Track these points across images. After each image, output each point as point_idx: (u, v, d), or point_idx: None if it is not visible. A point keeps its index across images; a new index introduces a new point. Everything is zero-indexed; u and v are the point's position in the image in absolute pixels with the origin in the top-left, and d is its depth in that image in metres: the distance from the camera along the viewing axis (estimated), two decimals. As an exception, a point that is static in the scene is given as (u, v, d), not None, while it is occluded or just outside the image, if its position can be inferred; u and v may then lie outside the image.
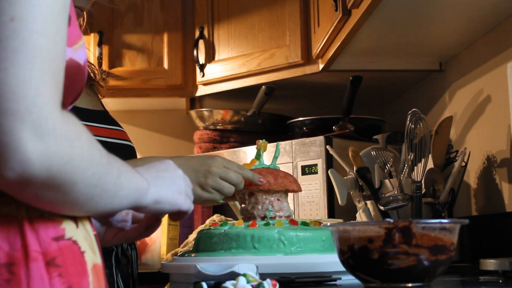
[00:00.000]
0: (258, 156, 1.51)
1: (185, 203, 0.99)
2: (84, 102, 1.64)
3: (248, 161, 1.55)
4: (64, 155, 0.70)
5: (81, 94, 0.89)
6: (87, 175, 0.73)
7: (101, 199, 0.78)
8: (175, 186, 0.97)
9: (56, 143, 0.69)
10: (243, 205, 1.49)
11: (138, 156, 1.80)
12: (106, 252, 1.26)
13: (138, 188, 0.86)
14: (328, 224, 1.10)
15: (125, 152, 1.68)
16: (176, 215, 1.00)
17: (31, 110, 0.67)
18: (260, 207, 1.45)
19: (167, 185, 0.95)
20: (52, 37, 0.71)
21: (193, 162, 1.47)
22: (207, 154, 1.50)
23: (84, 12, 1.42)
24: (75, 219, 0.83)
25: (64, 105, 0.81)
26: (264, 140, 1.52)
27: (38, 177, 0.69)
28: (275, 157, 1.53)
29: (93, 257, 0.83)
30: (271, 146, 1.64)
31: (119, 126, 1.76)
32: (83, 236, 0.83)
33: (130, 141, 1.76)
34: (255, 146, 1.53)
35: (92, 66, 1.73)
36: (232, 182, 1.46)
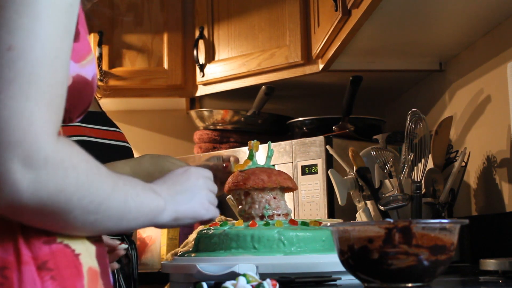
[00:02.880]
0: (251, 156, 1.51)
1: (207, 213, 1.02)
2: None
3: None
4: (56, 185, 0.71)
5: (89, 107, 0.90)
6: (83, 203, 0.75)
7: (105, 223, 0.79)
8: (196, 199, 1.00)
9: (47, 174, 0.70)
10: (240, 206, 1.49)
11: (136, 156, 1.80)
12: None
13: (151, 209, 0.88)
14: (328, 224, 1.10)
15: (122, 153, 1.68)
16: (202, 223, 1.04)
17: (22, 142, 0.68)
18: (257, 206, 1.45)
19: (187, 199, 0.98)
20: (50, 64, 0.71)
21: (153, 180, 1.47)
22: (164, 162, 1.51)
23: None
24: None
25: (71, 119, 0.82)
26: (255, 140, 1.53)
27: (28, 206, 0.71)
28: (269, 157, 1.53)
29: (89, 260, 0.83)
30: (263, 147, 1.64)
31: (116, 127, 1.76)
32: (79, 240, 0.83)
33: (127, 142, 1.76)
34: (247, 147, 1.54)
35: None
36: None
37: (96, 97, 1.77)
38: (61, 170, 0.71)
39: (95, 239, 0.87)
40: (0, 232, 0.76)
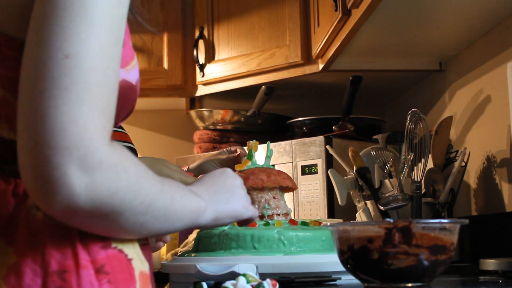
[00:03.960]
0: (250, 156, 1.51)
1: (247, 212, 1.04)
2: None
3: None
4: (110, 187, 0.73)
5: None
6: (134, 204, 0.76)
7: (152, 225, 0.81)
8: (235, 198, 1.01)
9: (102, 176, 0.72)
10: None
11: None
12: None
13: (193, 210, 0.90)
14: (328, 224, 1.10)
15: None
16: (241, 223, 1.06)
17: (78, 146, 0.70)
18: (256, 206, 1.46)
19: (226, 199, 0.99)
20: (103, 72, 0.73)
21: None
22: (160, 167, 1.53)
23: None
24: None
25: (116, 123, 0.83)
26: (254, 140, 1.53)
27: (83, 208, 0.72)
28: (268, 157, 1.53)
29: (140, 265, 0.86)
30: (263, 147, 1.64)
31: (121, 128, 1.76)
32: (131, 245, 0.86)
33: (132, 143, 1.76)
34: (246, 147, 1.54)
35: None
36: None
37: None
38: (114, 173, 0.73)
39: (143, 243, 0.89)
40: (58, 237, 0.78)
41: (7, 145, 0.78)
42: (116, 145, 0.76)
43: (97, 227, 0.77)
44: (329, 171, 2.00)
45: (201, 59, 2.63)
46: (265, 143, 1.59)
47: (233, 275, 1.09)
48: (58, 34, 0.72)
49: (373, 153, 1.95)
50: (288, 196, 1.59)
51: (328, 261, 1.27)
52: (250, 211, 1.05)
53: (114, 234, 0.80)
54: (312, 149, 2.18)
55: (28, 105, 0.71)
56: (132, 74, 0.86)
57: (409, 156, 1.81)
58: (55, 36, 0.71)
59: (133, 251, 0.85)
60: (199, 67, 2.63)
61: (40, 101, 0.70)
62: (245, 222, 1.06)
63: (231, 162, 1.64)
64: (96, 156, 0.71)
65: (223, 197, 0.99)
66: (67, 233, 0.79)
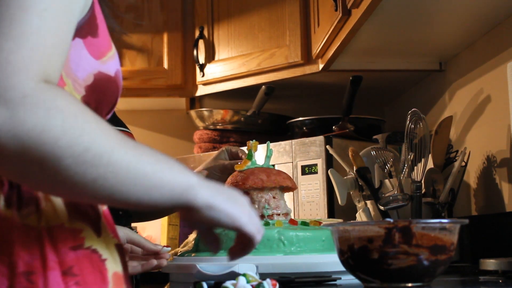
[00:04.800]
0: (250, 156, 1.51)
1: (250, 223, 0.85)
2: None
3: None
4: (36, 124, 0.67)
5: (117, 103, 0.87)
6: (75, 150, 0.68)
7: (112, 185, 0.72)
8: (240, 205, 0.85)
9: (25, 112, 0.66)
10: None
11: None
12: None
13: (178, 181, 0.78)
14: (328, 224, 1.10)
15: None
16: (240, 240, 0.88)
17: None
18: (256, 206, 1.45)
19: (225, 197, 0.83)
20: (37, 13, 0.70)
21: None
22: None
23: None
24: (99, 229, 0.83)
25: (100, 116, 0.80)
26: (254, 140, 1.53)
27: (6, 146, 0.67)
28: (268, 157, 1.53)
29: (113, 265, 0.83)
30: (263, 147, 1.64)
31: (126, 127, 1.76)
32: (104, 245, 0.83)
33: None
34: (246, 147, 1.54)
35: None
36: None
37: None
38: (43, 110, 0.67)
39: (117, 242, 0.86)
40: (27, 238, 0.75)
41: None
42: (56, 87, 0.71)
43: (35, 176, 0.70)
44: (329, 171, 2.00)
45: (201, 59, 2.63)
46: (265, 143, 1.59)
47: (233, 275, 1.09)
48: None
49: (373, 153, 1.95)
50: (288, 196, 1.59)
51: (328, 261, 1.27)
52: (254, 226, 0.86)
53: (64, 188, 0.72)
54: (312, 149, 2.18)
55: None
56: (110, 65, 0.83)
57: (409, 156, 1.81)
58: None
59: (107, 252, 0.82)
60: (199, 67, 2.63)
61: None
62: (245, 241, 0.87)
63: (233, 170, 1.57)
64: (18, 90, 0.67)
65: (224, 196, 0.83)
66: (37, 234, 0.76)
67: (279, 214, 1.46)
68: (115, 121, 1.73)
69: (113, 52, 0.85)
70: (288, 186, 1.49)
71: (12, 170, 0.70)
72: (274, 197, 1.47)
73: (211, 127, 2.62)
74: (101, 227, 0.84)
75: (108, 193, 0.72)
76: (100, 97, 0.81)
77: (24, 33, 0.69)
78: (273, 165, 2.21)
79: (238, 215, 0.84)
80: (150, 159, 0.75)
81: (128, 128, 1.78)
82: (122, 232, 1.40)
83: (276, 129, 2.62)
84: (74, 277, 0.77)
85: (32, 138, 0.67)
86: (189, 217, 0.82)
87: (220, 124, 2.60)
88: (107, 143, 0.71)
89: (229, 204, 0.83)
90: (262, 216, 1.45)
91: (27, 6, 0.70)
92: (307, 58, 2.33)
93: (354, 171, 1.96)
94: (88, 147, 0.69)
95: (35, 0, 0.71)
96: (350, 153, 1.96)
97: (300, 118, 2.45)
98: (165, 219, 2.46)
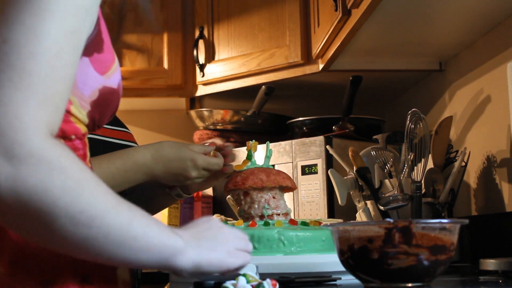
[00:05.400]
0: (250, 156, 1.51)
1: (236, 261, 0.92)
2: None
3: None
4: (38, 183, 0.67)
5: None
6: (72, 211, 0.69)
7: (101, 244, 0.73)
8: (222, 246, 0.90)
9: (29, 169, 0.67)
10: (239, 206, 1.49)
11: None
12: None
13: (166, 245, 0.80)
14: (328, 224, 1.10)
15: None
16: (229, 272, 0.93)
17: (5, 133, 0.66)
18: (256, 206, 1.45)
19: (211, 247, 0.88)
20: (47, 62, 0.70)
21: (173, 168, 1.47)
22: (184, 150, 1.49)
23: None
24: None
25: (99, 127, 0.81)
26: (254, 140, 1.53)
27: (5, 200, 0.67)
28: (267, 157, 1.53)
29: (122, 273, 0.85)
30: (263, 147, 1.64)
31: (125, 127, 1.76)
32: None
33: (135, 143, 1.76)
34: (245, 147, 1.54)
35: None
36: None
37: None
38: (46, 169, 0.68)
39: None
40: (42, 248, 0.76)
41: None
42: (59, 143, 0.71)
43: (30, 230, 0.71)
44: (329, 171, 2.00)
45: (201, 59, 2.63)
46: (265, 143, 1.59)
47: (233, 275, 1.09)
48: (1, 21, 0.69)
49: (373, 153, 1.95)
50: (288, 196, 1.58)
51: (328, 261, 1.26)
52: (240, 259, 0.93)
53: (54, 243, 0.73)
54: (312, 149, 2.18)
55: None
56: (113, 79, 0.83)
57: (409, 156, 1.81)
58: None
59: None
60: (199, 67, 2.63)
61: None
62: (234, 271, 0.93)
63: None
64: (25, 147, 0.67)
65: (208, 243, 0.87)
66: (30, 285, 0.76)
67: (279, 214, 1.46)
68: (116, 122, 1.73)
69: (116, 64, 0.85)
70: (288, 186, 1.48)
71: (8, 222, 0.71)
72: (274, 197, 1.47)
73: (211, 127, 2.62)
74: None
75: (97, 252, 0.74)
76: (104, 109, 0.82)
77: (33, 84, 0.68)
78: (273, 165, 2.21)
79: (223, 261, 0.89)
80: (141, 222, 0.77)
81: (127, 129, 1.78)
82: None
83: (276, 129, 2.62)
84: (91, 285, 0.79)
85: (32, 196, 0.67)
86: (179, 276, 0.84)
87: (220, 124, 2.60)
88: (102, 205, 0.72)
89: (213, 253, 0.87)
90: (262, 216, 1.45)
91: (36, 53, 0.70)
92: (307, 58, 2.33)
93: (354, 171, 1.96)
94: (84, 209, 0.70)
95: (46, 45, 0.70)
96: (350, 153, 1.96)
97: (300, 118, 2.45)
98: (165, 219, 2.46)
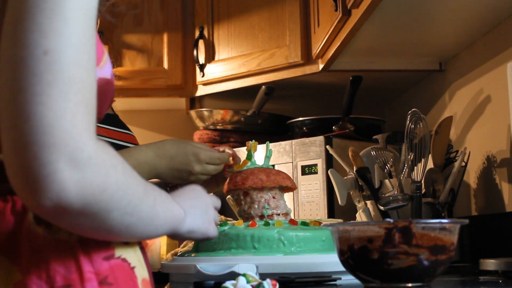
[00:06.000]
0: (249, 156, 1.51)
1: (214, 231, 1.08)
2: None
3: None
4: (100, 184, 0.72)
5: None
6: (122, 204, 0.75)
7: (136, 227, 0.80)
8: (206, 216, 1.05)
9: (92, 173, 0.71)
10: (239, 206, 1.49)
11: None
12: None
13: (175, 217, 0.91)
14: (328, 224, 1.10)
15: None
16: (202, 240, 1.08)
17: (67, 142, 0.69)
18: (256, 206, 1.45)
19: (200, 214, 1.03)
20: (84, 66, 0.72)
21: (177, 163, 1.46)
22: (186, 145, 1.49)
23: None
24: None
25: (99, 119, 0.82)
26: (253, 140, 1.53)
27: (74, 205, 0.71)
28: (267, 157, 1.53)
29: (142, 272, 0.87)
30: (263, 147, 1.64)
31: (129, 130, 1.77)
32: (133, 252, 0.87)
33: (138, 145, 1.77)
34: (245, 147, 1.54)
35: None
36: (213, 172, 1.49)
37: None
38: (104, 169, 0.72)
39: (141, 246, 0.90)
40: (61, 251, 0.78)
41: (2, 164, 0.76)
42: (102, 142, 0.75)
43: (84, 226, 0.75)
44: (329, 171, 2.00)
45: (201, 59, 2.63)
46: (265, 143, 1.59)
47: (233, 275, 1.09)
48: (35, 31, 0.70)
49: (373, 153, 1.95)
50: (288, 196, 1.59)
51: (328, 261, 1.27)
52: (215, 231, 1.09)
53: (100, 235, 0.79)
54: (312, 149, 2.18)
55: (12, 104, 0.69)
56: (106, 69, 0.85)
57: (409, 156, 1.81)
58: (31, 34, 0.70)
59: (135, 258, 0.86)
60: (199, 67, 2.63)
61: (24, 98, 0.68)
62: (204, 241, 1.12)
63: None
64: (85, 152, 0.70)
65: (197, 211, 1.02)
66: (69, 246, 0.79)
67: (279, 214, 1.46)
68: (120, 124, 1.74)
69: (106, 55, 0.86)
70: (288, 186, 1.48)
71: (72, 225, 0.75)
72: (273, 197, 1.47)
73: (211, 127, 2.62)
74: None
75: (132, 234, 0.82)
76: (102, 100, 0.83)
77: (79, 91, 0.71)
78: (273, 165, 2.21)
79: (208, 230, 1.05)
80: (159, 200, 0.85)
81: (131, 131, 1.78)
82: None
83: (276, 129, 2.62)
84: (110, 286, 0.80)
85: (96, 196, 0.72)
86: (172, 238, 0.99)
87: (220, 124, 2.60)
88: (140, 194, 0.79)
89: (202, 221, 1.03)
90: (262, 216, 1.45)
91: (75, 60, 0.72)
92: (307, 58, 2.32)
93: (354, 171, 1.96)
94: (130, 200, 0.77)
95: (81, 52, 0.72)
96: (350, 153, 1.96)
97: (300, 118, 2.45)
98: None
